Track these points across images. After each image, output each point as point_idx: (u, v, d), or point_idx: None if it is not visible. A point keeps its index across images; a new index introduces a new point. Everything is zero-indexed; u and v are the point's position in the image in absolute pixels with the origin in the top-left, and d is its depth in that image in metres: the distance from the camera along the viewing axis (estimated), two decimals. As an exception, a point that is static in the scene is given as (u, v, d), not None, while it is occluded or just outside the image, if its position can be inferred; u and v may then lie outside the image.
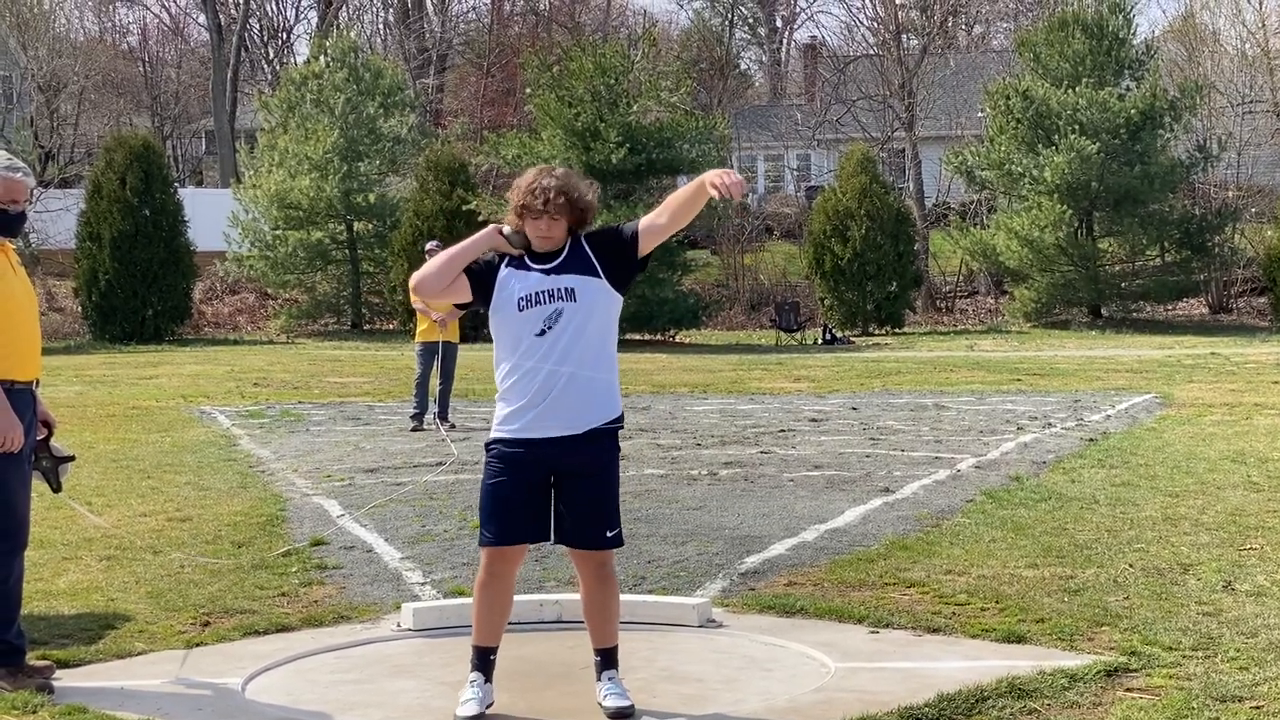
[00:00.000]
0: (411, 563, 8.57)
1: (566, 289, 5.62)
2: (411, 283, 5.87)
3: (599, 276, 5.66)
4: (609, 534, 5.73)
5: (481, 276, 5.75)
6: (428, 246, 16.71)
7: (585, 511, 5.69)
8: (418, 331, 16.33)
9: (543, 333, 5.59)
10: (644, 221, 5.76)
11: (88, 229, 36.39)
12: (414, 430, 15.63)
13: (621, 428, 5.77)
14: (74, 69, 52.96)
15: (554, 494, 5.73)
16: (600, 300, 5.67)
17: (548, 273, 5.66)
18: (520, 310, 5.64)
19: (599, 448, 5.68)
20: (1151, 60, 38.60)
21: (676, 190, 5.76)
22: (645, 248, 5.73)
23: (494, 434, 5.75)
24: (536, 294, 5.63)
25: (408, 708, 5.86)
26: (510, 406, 5.68)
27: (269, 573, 8.23)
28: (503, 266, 5.74)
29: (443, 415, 15.74)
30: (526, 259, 5.70)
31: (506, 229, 5.71)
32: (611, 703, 5.65)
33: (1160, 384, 20.62)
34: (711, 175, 5.54)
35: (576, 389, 5.62)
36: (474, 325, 35.48)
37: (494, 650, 5.78)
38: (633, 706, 5.65)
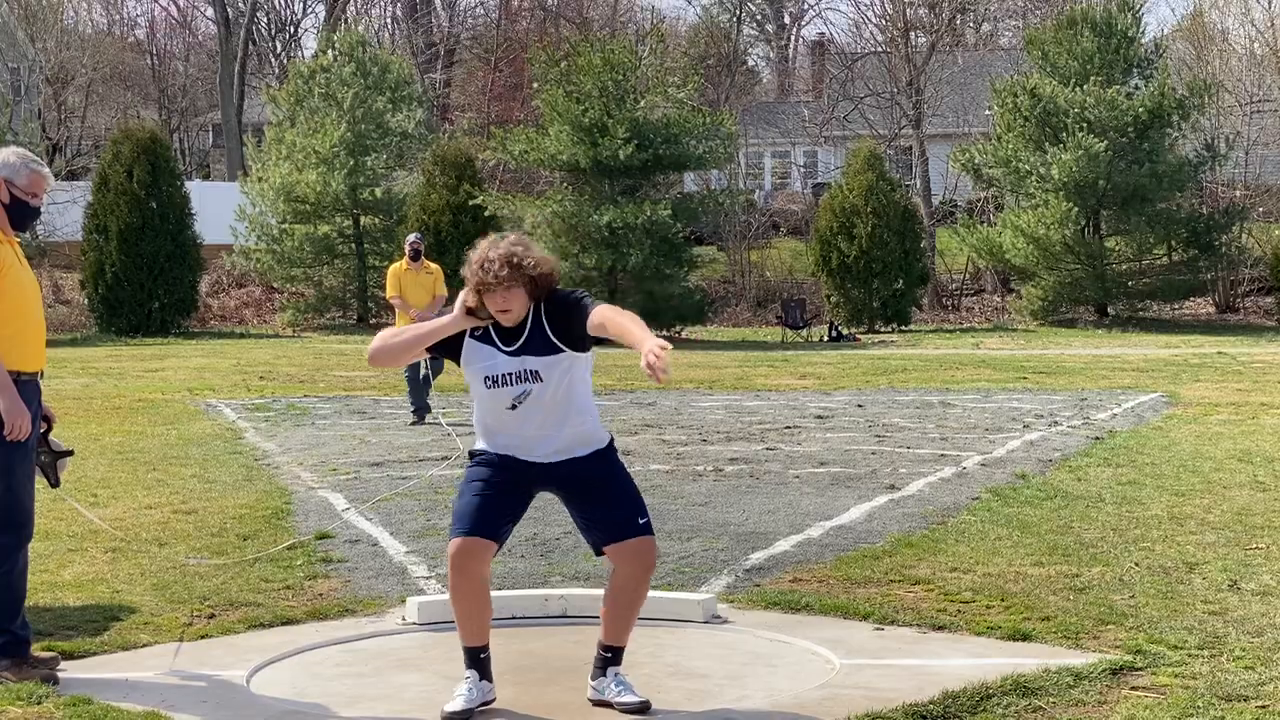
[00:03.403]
0: (416, 556, 8.57)
1: (531, 371, 5.59)
2: (369, 350, 5.77)
3: (561, 352, 5.60)
4: (640, 520, 5.67)
5: (445, 342, 5.74)
6: (409, 239, 16.66)
7: (609, 506, 5.68)
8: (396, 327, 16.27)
9: (514, 407, 5.62)
10: (597, 315, 5.52)
11: (95, 221, 36.41)
12: (414, 424, 15.64)
13: (608, 448, 5.75)
14: (82, 61, 53.07)
15: (569, 510, 5.77)
16: (567, 370, 5.63)
17: (512, 354, 5.60)
18: (488, 389, 5.64)
19: (590, 464, 5.69)
20: (1160, 59, 38.55)
21: (631, 321, 5.41)
22: (592, 334, 5.60)
23: (475, 445, 5.82)
24: (503, 375, 5.60)
25: (412, 701, 5.86)
26: (494, 439, 5.73)
27: (274, 566, 8.23)
28: (467, 337, 5.69)
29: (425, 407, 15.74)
30: (492, 332, 5.64)
31: (473, 303, 5.63)
32: (627, 699, 5.64)
33: (1167, 383, 20.60)
34: (652, 346, 5.21)
35: (552, 442, 5.65)
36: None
37: (483, 649, 5.72)
38: (648, 702, 5.64)
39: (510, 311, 5.56)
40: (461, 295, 5.64)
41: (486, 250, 5.54)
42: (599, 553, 5.78)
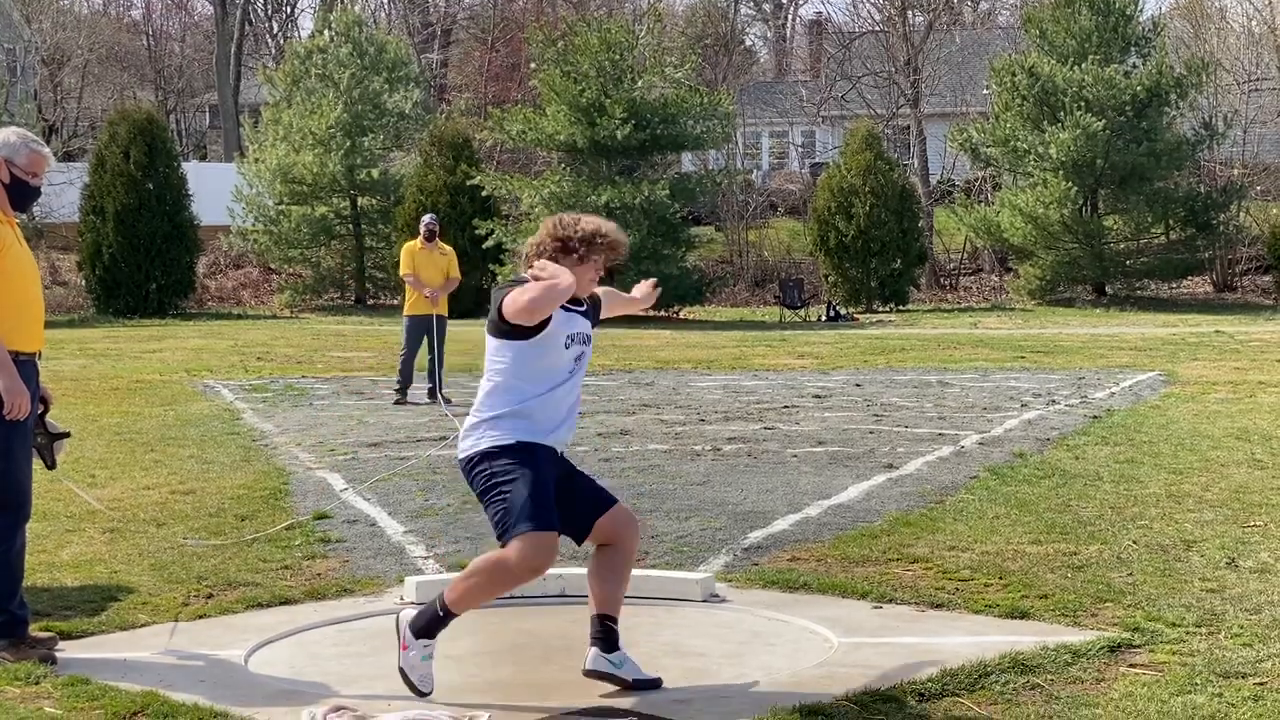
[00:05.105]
0: (414, 536, 8.57)
1: (586, 335, 5.79)
2: (521, 305, 5.49)
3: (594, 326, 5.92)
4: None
5: None
6: (425, 219, 16.70)
7: (590, 480, 5.85)
8: (406, 304, 16.29)
9: (573, 371, 5.72)
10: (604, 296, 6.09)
11: (91, 203, 36.33)
12: (397, 404, 15.66)
13: None
14: (78, 42, 52.95)
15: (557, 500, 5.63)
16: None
17: (581, 315, 5.77)
18: (566, 347, 5.67)
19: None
20: (1158, 37, 38.42)
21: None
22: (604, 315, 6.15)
23: (510, 440, 5.54)
24: (575, 334, 5.71)
25: (410, 681, 5.86)
26: (534, 424, 5.58)
27: (272, 546, 8.23)
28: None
29: (439, 389, 15.70)
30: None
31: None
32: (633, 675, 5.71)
33: (1164, 362, 20.59)
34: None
35: (574, 418, 5.81)
36: (477, 301, 35.54)
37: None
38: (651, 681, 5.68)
39: (592, 290, 5.89)
40: (552, 267, 5.54)
41: (615, 233, 5.77)
42: (586, 535, 5.74)
